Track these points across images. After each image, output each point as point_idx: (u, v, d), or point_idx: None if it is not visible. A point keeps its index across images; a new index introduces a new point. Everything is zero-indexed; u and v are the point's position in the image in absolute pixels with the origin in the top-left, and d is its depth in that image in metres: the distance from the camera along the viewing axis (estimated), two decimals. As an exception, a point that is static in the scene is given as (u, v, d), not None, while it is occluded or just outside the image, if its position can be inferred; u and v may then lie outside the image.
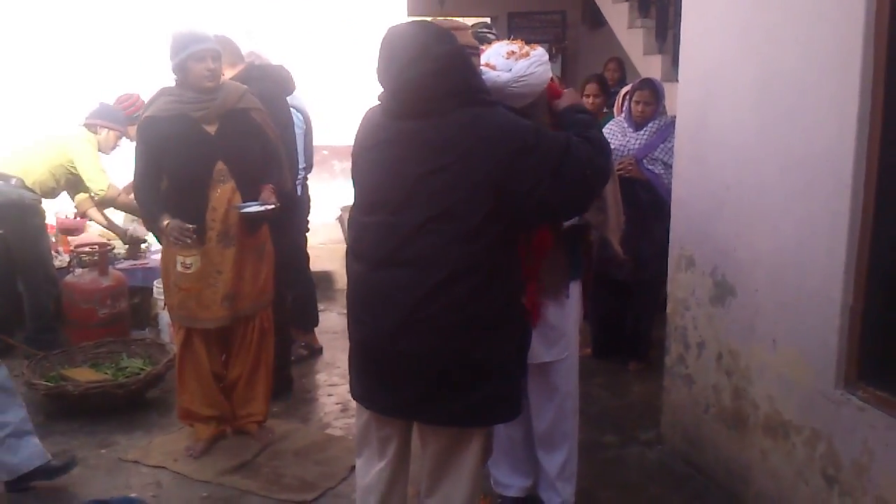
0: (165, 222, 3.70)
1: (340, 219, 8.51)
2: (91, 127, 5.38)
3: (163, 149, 3.68)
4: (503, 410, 2.60)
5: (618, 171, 4.67)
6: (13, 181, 5.17)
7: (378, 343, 2.53)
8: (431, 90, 2.43)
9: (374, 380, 2.61)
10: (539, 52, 2.90)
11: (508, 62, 2.84)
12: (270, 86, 4.33)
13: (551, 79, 3.00)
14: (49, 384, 4.46)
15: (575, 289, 3.25)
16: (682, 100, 3.89)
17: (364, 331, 2.59)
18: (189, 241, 3.71)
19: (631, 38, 6.86)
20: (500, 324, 2.52)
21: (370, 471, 2.77)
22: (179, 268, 3.74)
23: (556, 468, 3.28)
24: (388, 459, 2.74)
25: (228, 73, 4.16)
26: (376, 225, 2.51)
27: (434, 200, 2.40)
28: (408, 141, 2.46)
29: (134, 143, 3.86)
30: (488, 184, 2.37)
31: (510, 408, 2.62)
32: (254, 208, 3.78)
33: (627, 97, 5.00)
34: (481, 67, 2.83)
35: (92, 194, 5.39)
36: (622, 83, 6.42)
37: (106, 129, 5.36)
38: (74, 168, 5.29)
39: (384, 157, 2.51)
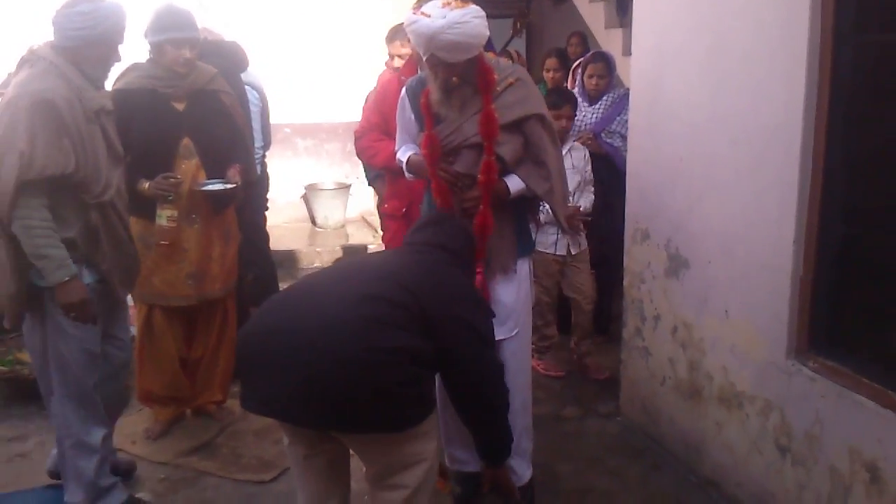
0: (146, 184, 3.64)
1: (304, 197, 8.46)
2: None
3: (129, 121, 3.62)
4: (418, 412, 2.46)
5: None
6: None
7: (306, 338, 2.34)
8: (432, 231, 2.85)
9: (278, 381, 2.37)
10: (476, 7, 2.94)
11: (444, 10, 2.88)
12: (223, 62, 4.27)
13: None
14: (4, 368, 4.41)
15: (523, 265, 3.26)
16: (635, 72, 3.89)
17: (289, 320, 2.43)
18: (171, 195, 3.65)
19: (592, 11, 6.84)
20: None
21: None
22: (165, 222, 3.67)
23: (510, 447, 3.28)
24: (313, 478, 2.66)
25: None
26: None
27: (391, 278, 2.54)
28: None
29: None
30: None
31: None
32: (215, 186, 3.76)
33: (580, 71, 4.99)
34: (415, 14, 2.91)
35: None
36: (585, 57, 6.39)
37: None
38: None
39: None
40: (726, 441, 3.39)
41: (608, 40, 6.54)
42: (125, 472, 3.58)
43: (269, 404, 2.40)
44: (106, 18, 3.00)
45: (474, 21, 2.89)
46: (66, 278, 2.92)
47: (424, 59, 2.99)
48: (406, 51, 4.31)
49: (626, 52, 5.98)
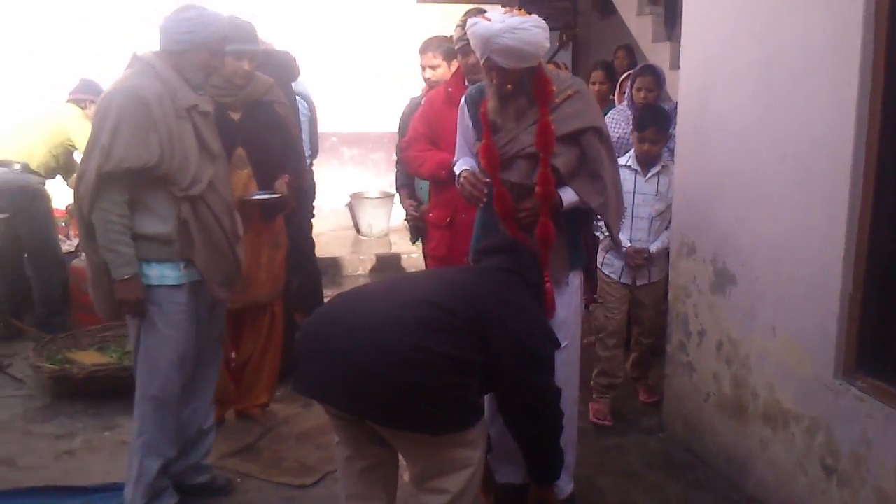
0: None
1: (349, 205, 8.53)
2: (79, 102, 5.39)
3: None
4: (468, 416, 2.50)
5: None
6: (17, 166, 5.22)
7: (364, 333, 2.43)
8: (501, 259, 2.90)
9: (334, 371, 2.45)
10: (538, 18, 2.96)
11: (504, 16, 2.92)
12: (275, 71, 4.32)
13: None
14: (54, 367, 4.50)
15: (575, 278, 3.26)
16: (683, 86, 3.87)
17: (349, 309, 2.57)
18: None
19: (640, 25, 6.81)
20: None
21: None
22: None
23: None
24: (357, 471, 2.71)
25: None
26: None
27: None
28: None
29: None
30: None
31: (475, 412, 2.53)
32: (259, 196, 3.82)
33: (629, 85, 4.95)
34: (476, 18, 2.96)
35: None
36: (631, 71, 6.38)
37: (95, 104, 5.38)
38: (73, 146, 5.32)
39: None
40: (771, 459, 3.34)
41: (655, 54, 6.51)
42: (221, 489, 3.56)
43: (315, 387, 2.52)
44: (208, 25, 3.10)
45: (533, 30, 2.90)
46: (128, 276, 3.02)
47: (482, 62, 3.01)
48: (437, 62, 4.36)
49: (674, 65, 5.95)
